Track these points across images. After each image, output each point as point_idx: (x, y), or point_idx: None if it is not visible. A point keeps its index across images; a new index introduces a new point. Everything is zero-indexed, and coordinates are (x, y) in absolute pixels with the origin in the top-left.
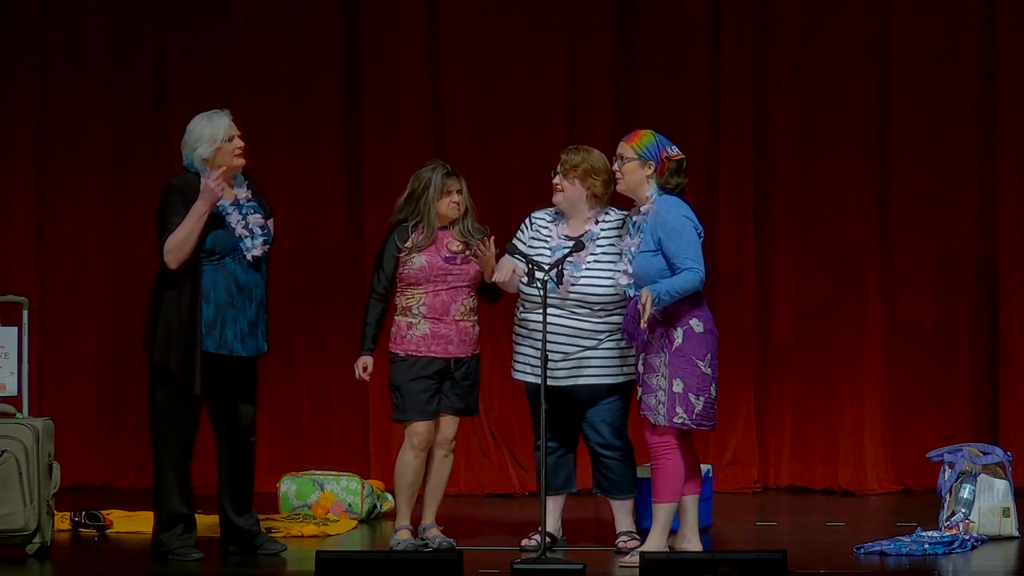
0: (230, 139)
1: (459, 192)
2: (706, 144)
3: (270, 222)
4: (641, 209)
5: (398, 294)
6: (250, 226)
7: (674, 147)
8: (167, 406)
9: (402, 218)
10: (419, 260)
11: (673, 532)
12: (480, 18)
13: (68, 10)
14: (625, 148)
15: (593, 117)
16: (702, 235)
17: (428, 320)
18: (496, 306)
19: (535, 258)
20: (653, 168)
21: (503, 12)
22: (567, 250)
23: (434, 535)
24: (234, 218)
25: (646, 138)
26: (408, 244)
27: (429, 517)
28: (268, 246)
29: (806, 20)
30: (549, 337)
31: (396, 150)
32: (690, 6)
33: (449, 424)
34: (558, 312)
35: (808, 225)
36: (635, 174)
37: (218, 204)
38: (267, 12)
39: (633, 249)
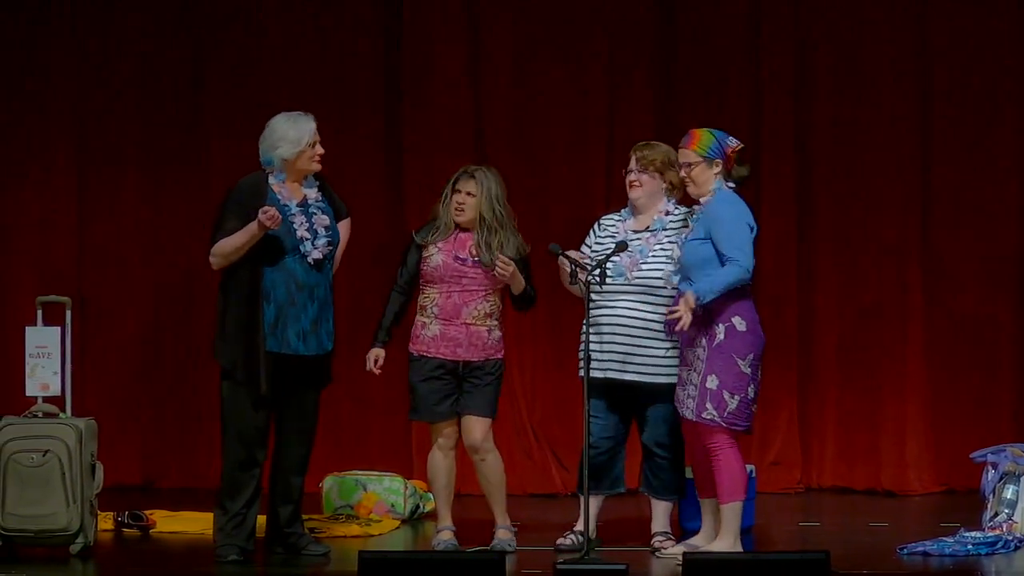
0: (313, 144)
1: (469, 194)
2: (747, 145)
3: (346, 223)
4: (702, 201)
5: (420, 293)
6: (314, 227)
7: (732, 139)
8: (234, 405)
9: (433, 216)
10: (436, 259)
11: (696, 530)
12: (520, 17)
13: (103, 9)
14: (688, 154)
15: (633, 117)
16: (755, 231)
17: (439, 321)
18: (534, 308)
19: (599, 256)
20: (720, 165)
21: (543, 11)
22: (632, 248)
23: (500, 537)
24: (298, 220)
25: (706, 138)
26: (427, 240)
27: (496, 519)
28: (332, 247)
29: (845, 18)
30: (614, 331)
31: (436, 149)
32: (730, 7)
33: (474, 427)
34: (626, 304)
35: (850, 226)
36: (703, 175)
37: (285, 205)
38: (306, 6)
39: (684, 236)
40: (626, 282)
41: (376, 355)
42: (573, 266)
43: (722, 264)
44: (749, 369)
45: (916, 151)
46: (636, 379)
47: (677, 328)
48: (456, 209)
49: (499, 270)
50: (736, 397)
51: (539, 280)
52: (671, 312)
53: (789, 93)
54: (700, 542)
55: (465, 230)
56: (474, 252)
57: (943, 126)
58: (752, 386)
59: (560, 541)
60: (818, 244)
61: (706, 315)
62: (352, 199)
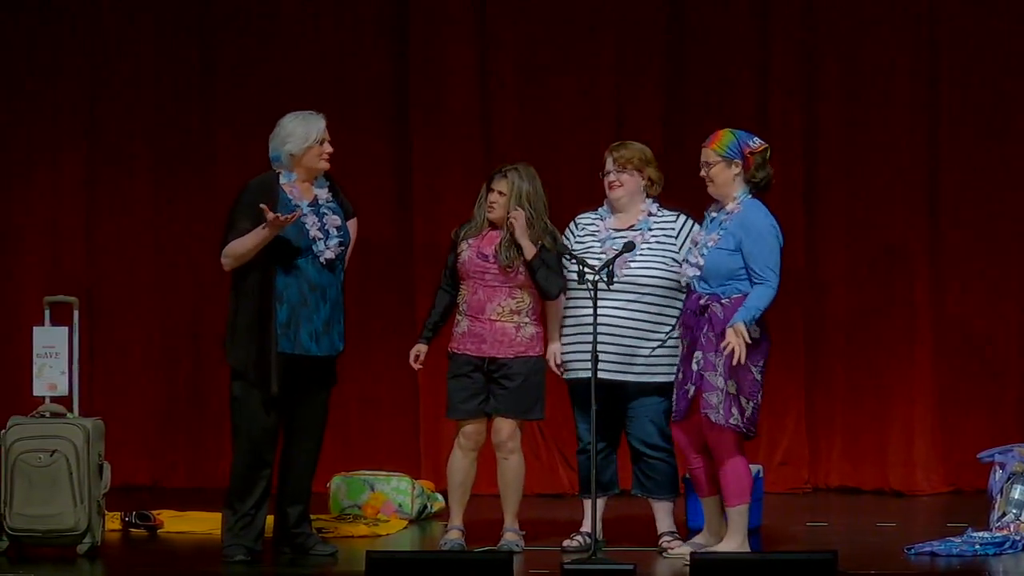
0: (322, 142)
1: (500, 193)
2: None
3: (352, 223)
4: (727, 208)
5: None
6: (326, 227)
7: (755, 139)
8: (244, 406)
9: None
10: (464, 255)
11: (700, 529)
12: (529, 17)
13: (110, 10)
14: (707, 153)
15: (641, 117)
16: (782, 244)
17: (468, 317)
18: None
19: (585, 256)
20: (739, 166)
21: (551, 13)
22: (618, 247)
23: (507, 538)
24: (310, 220)
25: (726, 138)
26: (459, 236)
27: (505, 520)
28: (344, 247)
29: (854, 18)
30: (602, 330)
31: (444, 149)
32: (738, 7)
33: (500, 426)
34: (613, 304)
35: (857, 226)
36: (723, 175)
37: (296, 205)
38: (315, 8)
39: (710, 244)
40: (616, 280)
41: (418, 351)
42: (581, 266)
43: (749, 278)
44: (761, 376)
45: (923, 151)
46: (626, 379)
47: (734, 362)
48: (489, 207)
49: (510, 219)
50: (751, 403)
51: None
52: (724, 347)
53: (796, 94)
54: (705, 541)
55: (496, 228)
56: (496, 250)
57: (950, 126)
58: (761, 392)
59: (567, 543)
60: (825, 244)
61: (727, 321)
62: (359, 200)
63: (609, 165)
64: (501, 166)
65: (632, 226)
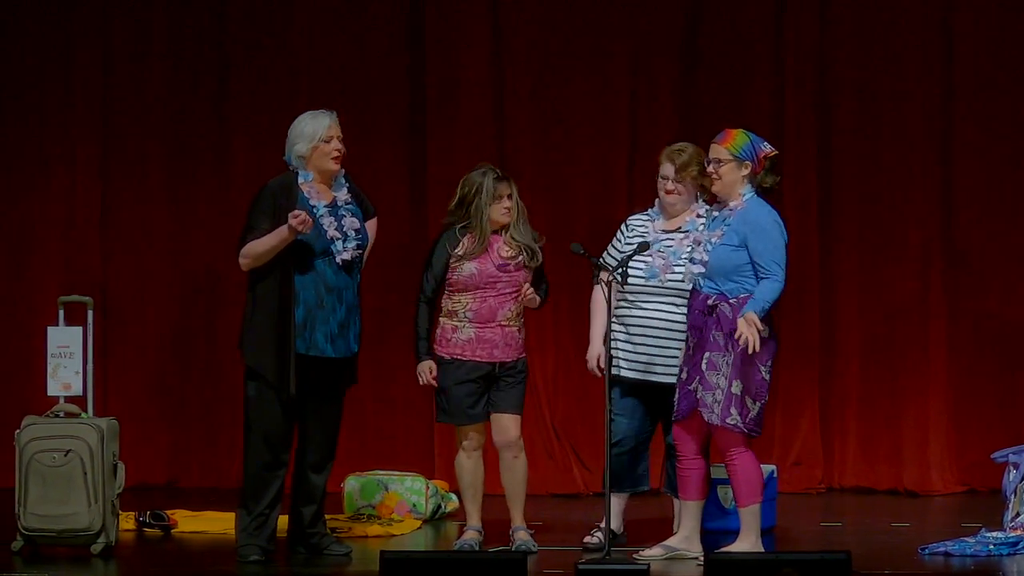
0: (328, 140)
1: (510, 197)
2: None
3: (372, 222)
4: (730, 204)
5: (444, 297)
6: (344, 229)
7: (766, 144)
8: (259, 405)
9: (452, 221)
10: (469, 267)
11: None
12: (544, 20)
13: (131, 9)
14: (719, 150)
15: (655, 118)
16: (787, 241)
17: (474, 325)
18: (554, 307)
19: (632, 259)
20: (749, 168)
21: (567, 14)
22: (664, 249)
23: (521, 538)
24: (327, 221)
25: (740, 138)
26: (460, 251)
27: (515, 519)
28: (361, 250)
29: (868, 21)
30: (645, 332)
31: (459, 150)
32: (753, 8)
33: (510, 424)
34: (657, 306)
35: (872, 225)
36: (732, 175)
37: (314, 206)
38: (330, 10)
39: (714, 240)
40: (659, 284)
41: (429, 366)
42: (595, 267)
43: (756, 274)
44: (768, 376)
45: (938, 152)
46: (667, 380)
47: (749, 351)
48: (506, 212)
49: (523, 297)
50: (757, 404)
51: (560, 279)
52: (738, 338)
53: (811, 95)
54: (675, 543)
55: (494, 233)
56: (509, 253)
57: (965, 126)
58: (768, 392)
59: (587, 540)
60: (840, 244)
61: (735, 322)
62: (375, 201)
63: (668, 171)
64: (492, 174)
65: (679, 228)
